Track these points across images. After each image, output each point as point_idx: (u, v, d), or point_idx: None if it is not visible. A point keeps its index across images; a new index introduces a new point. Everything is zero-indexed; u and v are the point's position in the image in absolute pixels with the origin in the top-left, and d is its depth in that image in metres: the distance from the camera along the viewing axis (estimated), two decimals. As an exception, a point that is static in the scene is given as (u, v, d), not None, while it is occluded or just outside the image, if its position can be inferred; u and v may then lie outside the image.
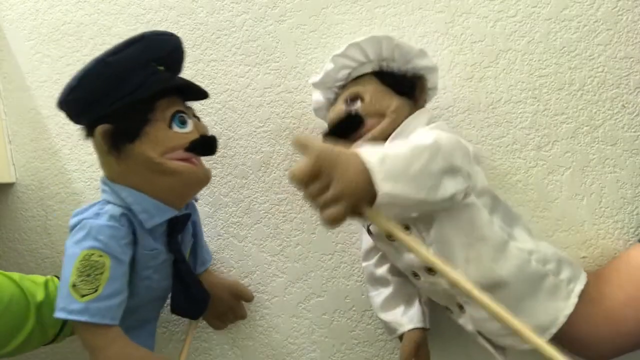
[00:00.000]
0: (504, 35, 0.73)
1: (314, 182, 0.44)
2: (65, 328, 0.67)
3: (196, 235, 0.75)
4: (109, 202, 0.61)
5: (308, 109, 0.79)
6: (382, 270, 0.68)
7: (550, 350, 0.42)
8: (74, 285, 0.55)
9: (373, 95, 0.64)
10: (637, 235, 0.69)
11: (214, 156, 0.80)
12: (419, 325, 0.64)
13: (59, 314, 0.56)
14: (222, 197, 0.81)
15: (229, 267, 0.81)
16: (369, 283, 0.70)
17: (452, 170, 0.50)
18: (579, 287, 0.59)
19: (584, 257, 0.70)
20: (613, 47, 0.70)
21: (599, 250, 0.70)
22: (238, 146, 0.81)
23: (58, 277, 0.70)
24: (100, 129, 0.60)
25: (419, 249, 0.45)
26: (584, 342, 0.59)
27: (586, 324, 0.57)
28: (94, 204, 0.62)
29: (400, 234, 0.46)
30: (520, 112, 0.72)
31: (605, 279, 0.61)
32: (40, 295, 0.64)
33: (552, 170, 0.71)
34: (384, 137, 0.61)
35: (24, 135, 0.89)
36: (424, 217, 0.56)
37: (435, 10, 0.75)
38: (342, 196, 0.43)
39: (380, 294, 0.68)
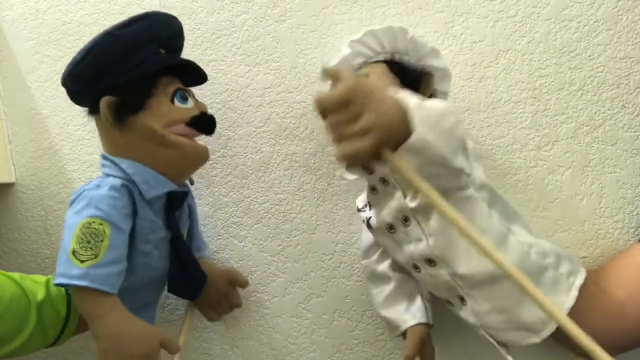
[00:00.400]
0: (504, 35, 0.73)
1: (343, 110, 0.42)
2: (66, 329, 0.66)
3: (192, 219, 0.75)
4: (109, 175, 0.63)
5: (308, 109, 0.79)
6: (384, 266, 0.68)
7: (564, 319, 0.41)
8: (74, 252, 0.56)
9: (378, 77, 0.62)
10: (637, 235, 0.69)
11: (214, 156, 0.81)
12: (422, 320, 0.64)
13: (59, 280, 0.56)
14: (222, 197, 0.81)
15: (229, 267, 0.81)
16: (370, 281, 0.70)
17: (464, 148, 0.51)
18: (579, 280, 0.59)
19: (584, 257, 0.70)
20: (613, 47, 0.70)
21: (599, 250, 0.70)
22: (238, 146, 0.81)
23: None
24: (105, 100, 0.61)
25: (438, 200, 0.44)
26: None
27: (585, 320, 0.57)
28: (94, 179, 0.63)
29: (420, 182, 0.44)
30: (520, 112, 0.72)
31: (605, 276, 0.62)
32: (41, 295, 0.64)
33: (552, 170, 0.71)
34: None
35: (24, 135, 0.89)
36: (423, 208, 0.56)
37: (435, 10, 0.75)
38: (372, 128, 0.41)
39: (381, 291, 0.67)
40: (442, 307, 0.66)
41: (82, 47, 0.63)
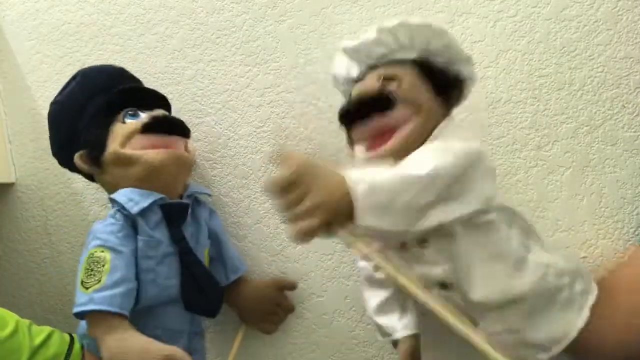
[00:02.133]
0: (504, 35, 0.73)
1: (290, 191, 0.43)
2: None
3: (220, 243, 0.75)
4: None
5: (308, 109, 0.79)
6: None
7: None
8: (82, 282, 0.59)
9: (411, 83, 0.59)
10: (637, 235, 0.69)
11: (214, 156, 0.81)
12: (414, 331, 0.64)
13: (74, 310, 0.59)
14: (222, 197, 0.81)
15: (229, 267, 0.81)
16: (366, 283, 0.69)
17: (445, 200, 0.49)
18: (591, 300, 0.58)
19: (584, 257, 0.70)
20: (613, 47, 0.70)
21: (599, 250, 0.70)
22: (238, 146, 0.81)
23: (70, 334, 0.70)
24: (76, 156, 0.69)
25: (400, 278, 0.45)
26: (594, 354, 0.58)
27: (597, 338, 0.57)
28: None
29: (373, 254, 0.45)
30: (520, 112, 0.72)
31: (611, 287, 0.61)
32: (38, 340, 0.65)
33: (552, 170, 0.71)
34: (411, 140, 0.57)
35: (24, 135, 0.89)
36: (444, 232, 0.53)
37: (435, 10, 0.75)
38: (319, 207, 0.42)
39: (376, 296, 0.67)
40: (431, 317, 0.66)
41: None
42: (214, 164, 0.81)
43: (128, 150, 0.66)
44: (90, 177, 0.73)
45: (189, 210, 0.69)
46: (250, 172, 0.80)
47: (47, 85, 0.88)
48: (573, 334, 0.56)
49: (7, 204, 0.89)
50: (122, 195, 0.64)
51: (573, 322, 0.56)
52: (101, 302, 0.57)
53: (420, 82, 0.59)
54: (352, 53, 0.63)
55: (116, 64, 0.77)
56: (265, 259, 0.80)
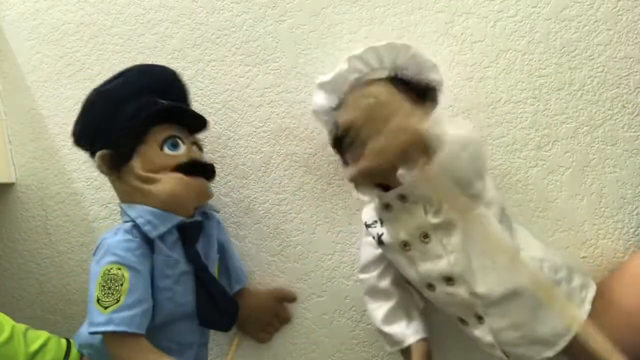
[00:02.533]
0: (504, 35, 0.73)
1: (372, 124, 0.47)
2: None
3: (225, 253, 0.76)
4: (125, 222, 0.65)
5: (308, 109, 0.79)
6: (386, 283, 0.67)
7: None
8: (98, 300, 0.58)
9: (388, 97, 0.61)
10: (637, 235, 0.69)
11: (214, 156, 0.81)
12: (425, 335, 0.65)
13: (90, 329, 0.58)
14: (222, 197, 0.81)
15: (229, 267, 0.81)
16: (369, 295, 0.69)
17: (484, 174, 0.53)
18: (590, 294, 0.59)
19: (584, 257, 0.70)
20: (613, 47, 0.70)
21: (599, 250, 0.70)
22: (238, 146, 0.81)
23: (67, 339, 0.70)
24: (99, 154, 0.65)
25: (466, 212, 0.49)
26: (591, 353, 0.59)
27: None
28: (114, 228, 0.66)
29: (447, 193, 0.48)
30: (520, 112, 0.72)
31: (611, 288, 0.61)
32: (34, 346, 0.65)
33: (552, 170, 0.71)
34: None
35: (24, 135, 0.89)
36: (445, 224, 0.56)
37: (435, 10, 0.75)
38: (403, 133, 0.46)
39: (381, 307, 0.67)
40: (442, 320, 0.66)
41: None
42: (214, 164, 0.81)
43: (152, 175, 0.65)
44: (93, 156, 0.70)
45: (203, 229, 0.70)
46: (250, 172, 0.80)
47: (47, 85, 0.88)
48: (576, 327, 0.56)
49: (7, 204, 0.89)
50: (140, 216, 0.63)
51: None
52: (121, 323, 0.57)
53: (394, 95, 0.63)
54: (330, 85, 0.67)
55: (116, 64, 0.77)
56: (265, 259, 0.80)
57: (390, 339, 0.66)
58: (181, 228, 0.66)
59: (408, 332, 0.65)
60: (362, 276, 0.70)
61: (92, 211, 0.86)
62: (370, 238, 0.67)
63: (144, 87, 0.68)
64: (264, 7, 0.81)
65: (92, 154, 0.68)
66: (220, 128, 0.81)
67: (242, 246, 0.80)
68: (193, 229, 0.68)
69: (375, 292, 0.68)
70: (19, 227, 0.89)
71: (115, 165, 0.65)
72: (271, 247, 0.80)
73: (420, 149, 0.47)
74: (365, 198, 0.65)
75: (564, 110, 0.71)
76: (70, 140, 0.89)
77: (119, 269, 0.59)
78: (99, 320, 0.57)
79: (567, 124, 0.71)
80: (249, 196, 0.80)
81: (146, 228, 0.62)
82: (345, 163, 0.67)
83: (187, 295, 0.66)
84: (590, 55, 0.71)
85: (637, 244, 0.69)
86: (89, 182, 0.86)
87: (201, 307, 0.67)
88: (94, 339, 0.64)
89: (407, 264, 0.62)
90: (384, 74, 0.64)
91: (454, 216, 0.53)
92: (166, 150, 0.66)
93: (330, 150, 0.77)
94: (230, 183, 0.81)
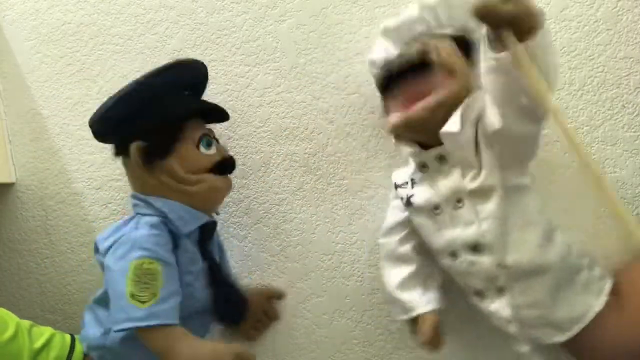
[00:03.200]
0: (504, 35, 0.73)
1: None
2: None
3: (220, 250, 0.76)
4: (144, 215, 0.64)
5: (308, 109, 0.79)
6: (406, 248, 0.67)
7: None
8: (132, 295, 0.57)
9: (448, 52, 0.60)
10: (637, 235, 0.69)
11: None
12: (437, 306, 0.64)
13: (125, 325, 0.57)
14: (222, 197, 0.81)
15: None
16: (388, 260, 0.68)
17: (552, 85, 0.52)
18: (608, 286, 0.59)
19: (584, 257, 0.70)
20: (613, 47, 0.70)
21: (599, 250, 0.70)
22: (238, 146, 0.81)
23: (72, 335, 0.70)
24: (135, 145, 0.64)
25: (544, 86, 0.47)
26: (598, 350, 0.59)
27: (604, 330, 0.57)
28: (127, 222, 0.65)
29: (531, 68, 0.46)
30: (520, 112, 0.72)
31: (618, 287, 0.61)
32: (39, 343, 0.65)
33: (552, 170, 0.71)
34: (445, 103, 0.58)
35: (24, 135, 0.89)
36: (481, 190, 0.56)
37: (435, 10, 0.75)
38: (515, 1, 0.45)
39: (400, 272, 0.66)
40: (453, 295, 0.66)
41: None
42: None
43: (193, 176, 0.66)
44: (117, 153, 0.70)
45: (216, 228, 0.72)
46: (250, 172, 0.80)
47: (47, 85, 0.88)
48: (591, 315, 0.57)
49: (7, 204, 0.89)
50: (173, 212, 0.64)
51: (592, 304, 0.58)
52: (163, 316, 0.58)
53: (457, 52, 0.60)
54: (393, 32, 0.65)
55: (116, 64, 0.77)
56: (265, 259, 0.80)
57: (401, 305, 0.65)
58: (202, 226, 0.68)
59: (421, 301, 0.64)
60: (382, 240, 0.69)
61: (92, 211, 0.86)
62: (398, 201, 0.66)
63: (184, 83, 0.70)
64: (264, 7, 0.81)
65: (120, 144, 0.68)
66: (220, 128, 0.81)
67: (242, 246, 0.80)
68: (211, 228, 0.70)
69: (394, 257, 0.68)
70: (19, 227, 0.89)
71: (150, 159, 0.65)
72: (271, 247, 0.80)
73: (527, 21, 0.46)
74: (405, 150, 0.63)
75: (564, 110, 0.71)
76: (70, 140, 0.89)
77: (151, 263, 0.59)
78: (137, 315, 0.57)
79: (567, 124, 0.71)
80: (249, 196, 0.80)
81: (178, 223, 0.64)
82: (387, 107, 0.65)
83: (202, 291, 0.67)
84: (590, 55, 0.71)
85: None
86: (89, 182, 0.86)
87: (217, 301, 0.68)
88: (106, 340, 0.64)
89: (433, 229, 0.61)
90: (449, 30, 0.61)
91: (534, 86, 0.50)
92: (202, 149, 0.67)
93: (330, 150, 0.78)
94: (230, 183, 0.81)
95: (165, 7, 0.84)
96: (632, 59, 0.70)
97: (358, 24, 0.77)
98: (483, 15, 0.46)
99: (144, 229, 0.62)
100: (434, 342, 0.62)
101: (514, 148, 0.56)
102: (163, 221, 0.63)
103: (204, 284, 0.68)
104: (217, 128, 0.81)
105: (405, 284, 0.66)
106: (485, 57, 0.51)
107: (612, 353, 0.58)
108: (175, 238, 0.64)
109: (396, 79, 0.61)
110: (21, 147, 0.89)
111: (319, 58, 0.79)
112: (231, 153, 0.74)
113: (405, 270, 0.66)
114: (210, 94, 0.81)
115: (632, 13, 0.70)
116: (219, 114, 0.72)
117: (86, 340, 0.68)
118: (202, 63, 0.72)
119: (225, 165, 0.70)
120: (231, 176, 0.80)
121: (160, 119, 0.65)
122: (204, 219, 0.67)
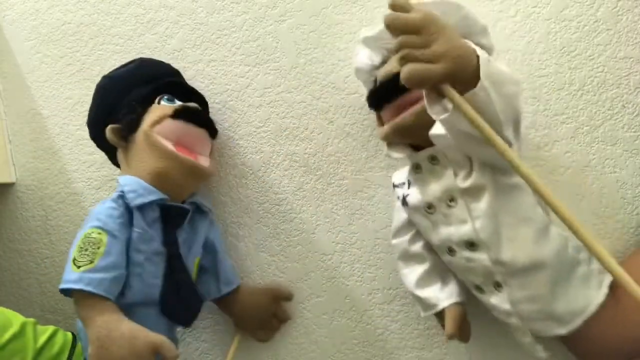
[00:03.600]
0: (504, 35, 0.73)
1: (416, 33, 0.43)
2: None
3: (216, 254, 0.75)
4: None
5: (308, 109, 0.79)
6: (417, 246, 0.67)
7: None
8: (74, 260, 0.59)
9: None
10: (637, 235, 0.69)
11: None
12: (459, 299, 0.64)
13: (61, 286, 0.58)
14: (221, 196, 0.81)
15: (229, 267, 0.81)
16: (402, 260, 0.69)
17: (517, 123, 0.51)
18: (608, 279, 0.59)
19: (584, 257, 0.70)
20: (613, 47, 0.70)
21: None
22: (238, 146, 0.81)
23: (73, 333, 0.70)
24: (109, 128, 0.68)
25: (495, 137, 0.43)
26: (598, 346, 0.59)
27: (604, 327, 0.57)
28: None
29: (480, 120, 0.43)
30: (520, 112, 0.72)
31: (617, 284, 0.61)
32: (41, 340, 0.65)
33: (552, 170, 0.71)
34: None
35: (24, 135, 0.89)
36: (473, 189, 0.56)
37: (435, 10, 0.75)
38: (445, 57, 0.42)
39: (414, 271, 0.66)
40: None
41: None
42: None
43: (156, 135, 0.66)
44: (112, 157, 0.74)
45: (188, 217, 0.69)
46: (250, 172, 0.80)
47: (47, 85, 0.88)
48: (592, 308, 0.57)
49: (7, 204, 0.89)
50: (128, 183, 0.65)
51: (593, 297, 0.57)
52: (90, 283, 0.57)
53: None
54: (373, 42, 0.65)
55: (116, 64, 0.77)
56: (265, 259, 0.80)
57: (423, 303, 0.65)
58: (164, 208, 0.66)
59: (442, 295, 0.64)
60: (395, 241, 0.69)
61: (92, 211, 0.86)
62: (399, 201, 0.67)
63: (149, 75, 0.73)
64: (264, 7, 0.81)
65: (101, 144, 0.73)
66: (220, 128, 0.81)
67: (241, 246, 0.80)
68: (176, 213, 0.68)
69: (407, 257, 0.68)
70: (19, 227, 0.89)
71: (125, 135, 0.68)
72: (271, 247, 0.80)
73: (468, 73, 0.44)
74: (396, 155, 0.63)
75: (564, 110, 0.71)
76: (70, 140, 0.89)
77: (99, 233, 0.60)
78: (70, 277, 0.57)
79: (567, 124, 0.71)
80: (249, 196, 0.80)
81: (130, 195, 0.64)
82: (380, 121, 0.65)
83: (156, 277, 0.65)
84: (590, 55, 0.71)
85: (637, 244, 0.69)
86: (89, 182, 0.86)
87: (166, 295, 0.65)
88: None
89: (429, 227, 0.62)
90: None
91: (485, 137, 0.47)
92: (163, 103, 0.70)
93: (330, 150, 0.78)
94: (229, 183, 0.81)
95: (165, 7, 0.84)
96: (632, 59, 0.70)
97: (358, 24, 0.77)
98: (415, 84, 0.43)
99: (106, 203, 0.63)
100: (460, 334, 0.62)
101: (483, 158, 0.56)
102: (121, 195, 0.64)
103: (160, 272, 0.65)
104: (217, 128, 0.81)
105: (422, 281, 0.66)
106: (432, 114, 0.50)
107: (613, 346, 0.58)
108: (130, 214, 0.64)
109: (386, 95, 0.61)
110: (21, 147, 0.89)
111: (319, 58, 0.79)
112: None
113: (420, 268, 0.66)
114: (211, 94, 0.82)
115: (632, 13, 0.70)
116: (195, 96, 0.75)
117: (83, 337, 0.68)
118: (165, 63, 0.78)
119: (187, 110, 0.69)
120: (230, 176, 0.81)
121: (126, 104, 0.69)
122: (156, 195, 0.65)
